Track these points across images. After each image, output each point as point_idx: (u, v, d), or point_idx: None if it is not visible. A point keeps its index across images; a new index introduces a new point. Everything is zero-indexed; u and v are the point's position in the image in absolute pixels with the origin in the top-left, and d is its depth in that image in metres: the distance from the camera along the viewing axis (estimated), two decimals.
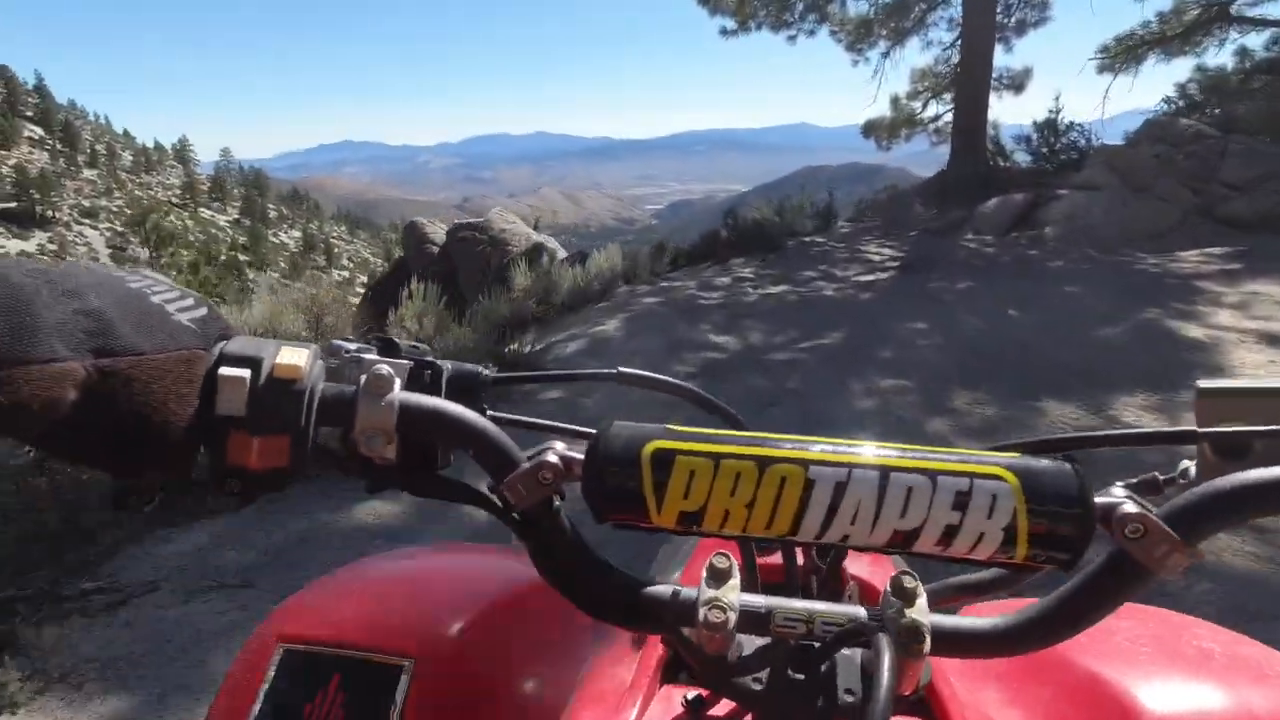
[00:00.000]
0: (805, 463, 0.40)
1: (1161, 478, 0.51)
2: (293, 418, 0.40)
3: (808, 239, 10.88)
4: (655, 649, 0.59)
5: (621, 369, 0.61)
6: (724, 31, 14.62)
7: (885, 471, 0.39)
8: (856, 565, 0.71)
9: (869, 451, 0.41)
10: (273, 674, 0.56)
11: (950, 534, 0.39)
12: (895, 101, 16.15)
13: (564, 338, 6.38)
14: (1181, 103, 15.49)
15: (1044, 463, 0.40)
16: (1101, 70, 16.34)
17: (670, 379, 0.63)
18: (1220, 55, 15.32)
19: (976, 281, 7.57)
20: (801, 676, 0.43)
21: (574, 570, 0.44)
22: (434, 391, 0.52)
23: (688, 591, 0.42)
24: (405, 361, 0.51)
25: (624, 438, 0.42)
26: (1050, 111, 10.91)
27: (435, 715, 0.56)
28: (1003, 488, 0.39)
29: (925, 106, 15.91)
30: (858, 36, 14.93)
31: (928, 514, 0.39)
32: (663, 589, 0.43)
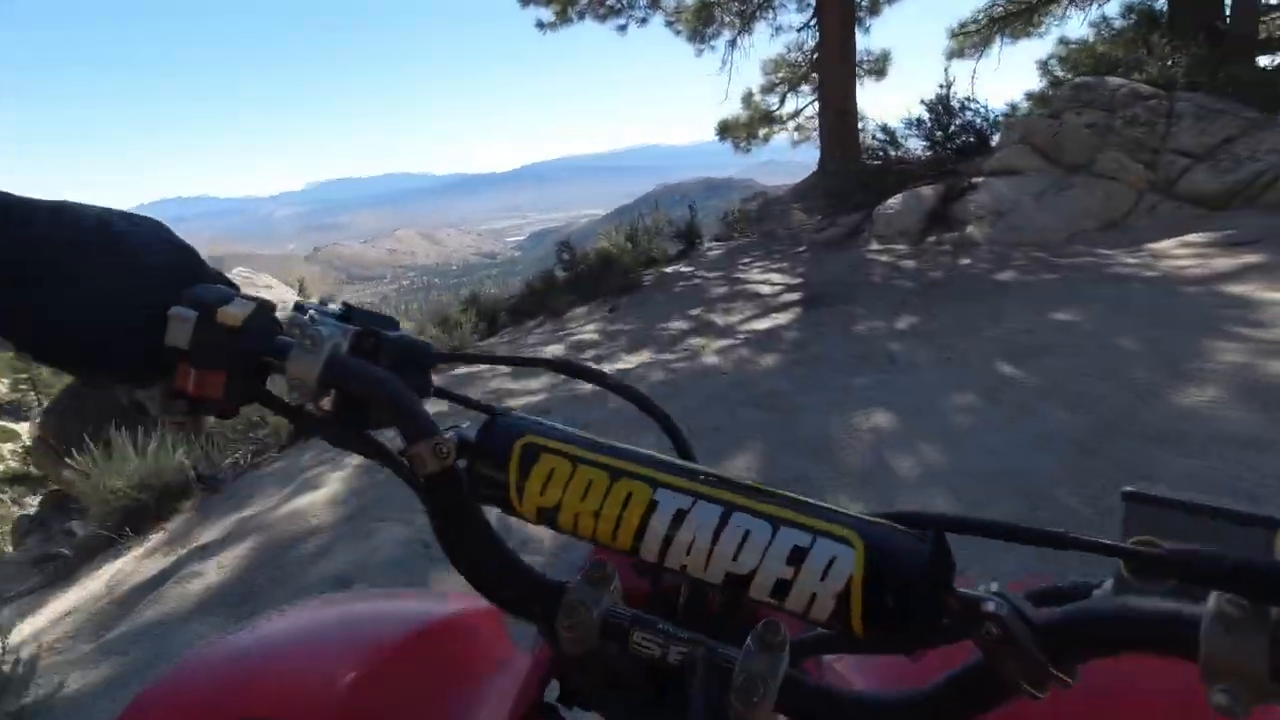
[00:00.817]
0: (654, 483, 0.39)
1: (1076, 586, 0.40)
2: (228, 358, 0.46)
3: (670, 269, 8.29)
4: (530, 688, 0.54)
5: (561, 358, 0.74)
6: (540, 25, 12.03)
7: (730, 509, 0.38)
8: None
9: (723, 483, 0.39)
10: None
11: (783, 589, 0.37)
12: (749, 98, 14.11)
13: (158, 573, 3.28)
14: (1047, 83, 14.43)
15: (903, 536, 0.37)
16: (952, 55, 15.17)
17: (606, 373, 0.56)
18: (1075, 29, 14.46)
19: (918, 315, 5.16)
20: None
21: (465, 543, 0.44)
22: (374, 358, 0.50)
23: (561, 587, 0.42)
24: (351, 326, 0.50)
25: (505, 428, 0.43)
26: (941, 86, 8.96)
27: None
28: (845, 552, 0.36)
29: (783, 101, 13.97)
30: (698, 24, 12.72)
31: (760, 562, 0.37)
32: (542, 580, 0.43)
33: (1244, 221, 6.08)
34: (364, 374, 0.45)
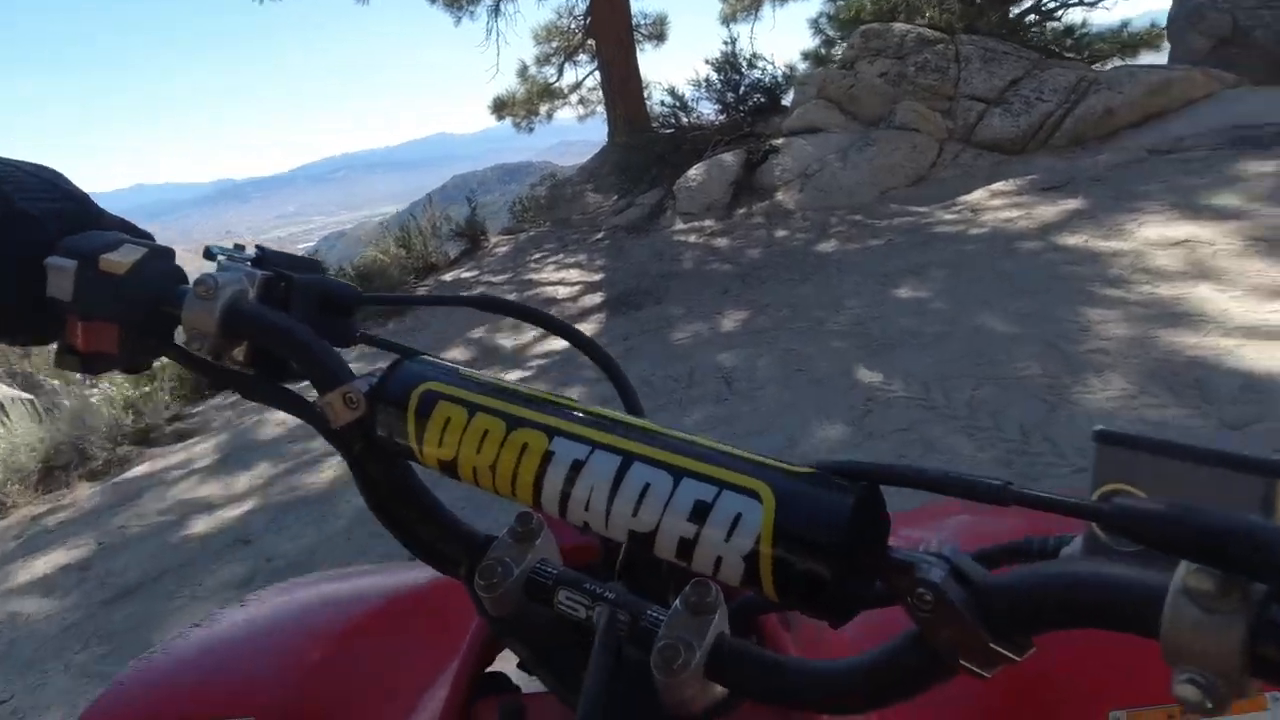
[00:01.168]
0: (551, 432, 0.35)
1: (1047, 543, 0.35)
2: (118, 309, 0.41)
3: (450, 275, 6.94)
4: (470, 656, 0.49)
5: (485, 295, 0.51)
6: None
7: (629, 459, 0.34)
8: None
9: (624, 431, 0.35)
10: None
11: (686, 548, 0.32)
12: (523, 71, 12.83)
13: None
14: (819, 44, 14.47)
15: (824, 489, 0.31)
16: (726, 19, 14.84)
17: (531, 308, 0.54)
18: None
19: (746, 309, 4.28)
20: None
21: (388, 495, 0.41)
22: (285, 304, 0.46)
23: (487, 542, 0.39)
24: (257, 272, 0.45)
25: (407, 374, 0.39)
26: (726, 42, 8.26)
27: None
28: (752, 507, 0.31)
29: (561, 72, 12.83)
30: None
31: (660, 519, 0.32)
32: (469, 534, 0.40)
33: (1043, 165, 5.84)
34: (266, 321, 0.41)
